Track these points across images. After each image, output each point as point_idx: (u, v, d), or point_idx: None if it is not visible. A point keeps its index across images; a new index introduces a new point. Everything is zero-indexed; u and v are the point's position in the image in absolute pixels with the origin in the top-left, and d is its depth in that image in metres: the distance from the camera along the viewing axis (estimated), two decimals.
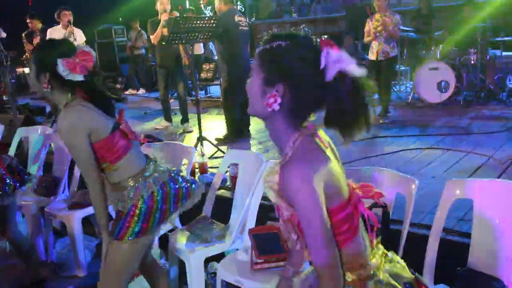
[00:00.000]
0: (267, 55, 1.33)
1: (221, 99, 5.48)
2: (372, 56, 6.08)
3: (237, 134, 5.33)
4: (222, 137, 5.30)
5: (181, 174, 2.47)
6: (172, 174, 2.35)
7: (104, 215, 2.21)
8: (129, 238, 2.17)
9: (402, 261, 1.51)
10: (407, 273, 1.46)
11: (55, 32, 6.73)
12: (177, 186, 2.31)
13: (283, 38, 1.32)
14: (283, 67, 1.29)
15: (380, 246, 1.49)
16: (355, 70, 1.27)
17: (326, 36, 6.44)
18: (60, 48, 2.16)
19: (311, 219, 1.26)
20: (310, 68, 1.28)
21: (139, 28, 10.48)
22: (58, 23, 6.79)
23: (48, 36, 6.80)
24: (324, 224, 1.26)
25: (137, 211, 2.18)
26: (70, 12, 6.72)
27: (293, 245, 1.44)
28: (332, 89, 1.27)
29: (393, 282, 1.40)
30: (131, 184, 2.20)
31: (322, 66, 1.26)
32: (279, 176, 1.30)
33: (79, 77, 2.10)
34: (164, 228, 2.43)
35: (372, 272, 1.39)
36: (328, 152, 1.35)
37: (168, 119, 6.60)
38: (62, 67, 2.06)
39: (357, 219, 1.39)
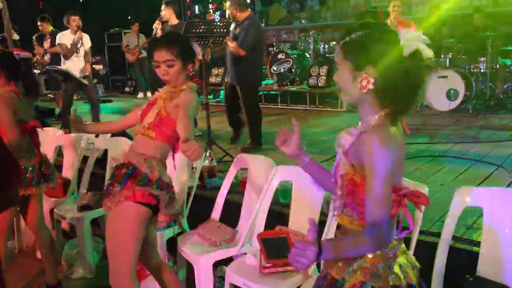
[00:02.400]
0: (349, 45, 1.47)
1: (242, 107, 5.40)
2: None
3: (260, 141, 5.35)
4: (247, 145, 5.29)
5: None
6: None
7: None
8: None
9: (416, 263, 1.58)
10: (413, 277, 1.51)
11: (64, 37, 6.79)
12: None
13: (359, 29, 1.47)
14: (367, 51, 1.43)
15: (402, 243, 1.56)
16: (428, 51, 1.45)
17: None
18: None
19: (380, 176, 1.38)
20: (390, 47, 1.43)
21: (136, 31, 10.50)
22: (67, 27, 6.86)
23: (57, 41, 6.87)
24: (389, 184, 1.39)
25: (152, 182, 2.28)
26: (79, 17, 6.78)
27: (334, 202, 1.57)
28: (408, 63, 1.42)
29: (401, 274, 1.48)
30: (151, 162, 2.30)
31: (401, 42, 1.43)
32: (356, 138, 1.48)
33: None
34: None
35: (387, 256, 1.47)
36: (402, 140, 1.50)
37: None
38: None
39: (395, 210, 1.45)
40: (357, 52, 1.45)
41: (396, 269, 1.48)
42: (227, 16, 11.80)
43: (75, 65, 6.72)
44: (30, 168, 2.97)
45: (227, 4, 5.13)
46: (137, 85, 11.09)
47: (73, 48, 6.70)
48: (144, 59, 10.43)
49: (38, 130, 3.08)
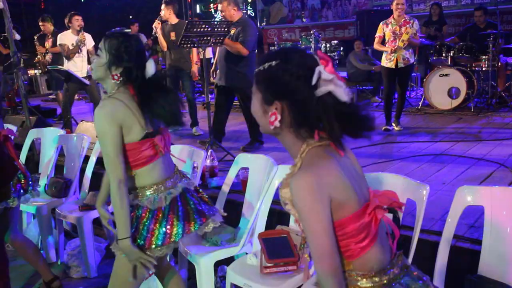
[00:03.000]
0: (261, 75, 1.38)
1: (244, 109, 5.35)
2: (389, 63, 5.79)
3: (262, 139, 5.34)
4: (248, 145, 5.28)
5: (200, 195, 2.41)
6: (188, 191, 2.31)
7: (122, 214, 2.11)
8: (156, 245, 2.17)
9: (426, 277, 1.48)
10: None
11: (65, 37, 6.79)
12: (185, 208, 2.26)
13: (274, 58, 1.36)
14: (277, 85, 1.34)
15: (402, 258, 1.47)
16: (343, 96, 1.32)
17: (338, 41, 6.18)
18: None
19: (312, 228, 1.29)
20: (302, 84, 1.32)
21: (136, 31, 10.48)
22: (69, 27, 6.86)
23: (58, 42, 6.87)
24: (325, 233, 1.29)
25: (140, 226, 2.18)
26: (81, 17, 6.78)
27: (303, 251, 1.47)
28: (322, 103, 1.31)
29: None
30: (147, 194, 2.20)
31: (313, 82, 1.30)
32: (289, 186, 1.33)
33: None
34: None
35: (386, 282, 1.39)
36: (343, 160, 1.36)
37: None
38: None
39: (375, 227, 1.38)
40: (266, 85, 1.37)
41: None
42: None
43: (77, 66, 6.74)
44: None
45: (224, 3, 5.07)
46: None
47: (75, 49, 6.71)
48: None
49: (40, 130, 3.04)
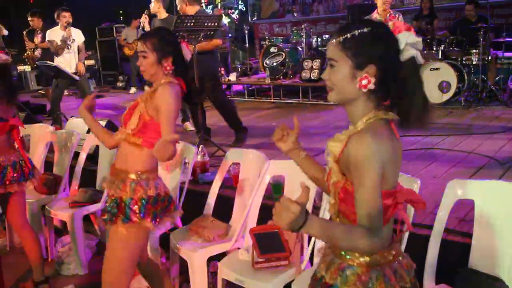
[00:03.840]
0: (352, 41, 1.41)
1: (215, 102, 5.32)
2: None
3: (244, 127, 5.31)
4: (235, 140, 5.24)
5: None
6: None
7: None
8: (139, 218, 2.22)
9: (412, 265, 1.53)
10: (407, 279, 1.47)
11: (54, 33, 6.73)
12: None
13: (363, 26, 1.42)
14: (370, 49, 1.39)
15: (398, 245, 1.52)
16: (419, 58, 1.42)
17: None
18: None
19: (368, 184, 1.33)
20: (392, 49, 1.40)
21: (136, 26, 10.40)
22: (58, 23, 6.79)
23: (47, 38, 6.80)
24: (378, 190, 1.34)
25: (139, 204, 2.23)
26: (70, 14, 6.70)
27: (329, 209, 1.54)
28: (403, 68, 1.40)
29: (394, 282, 1.43)
30: (141, 177, 2.26)
31: (401, 46, 1.40)
32: (345, 144, 1.40)
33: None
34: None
35: (379, 264, 1.43)
36: (396, 142, 1.43)
37: None
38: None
39: (391, 214, 1.42)
40: (360, 49, 1.39)
41: (391, 276, 1.43)
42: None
43: (66, 61, 6.67)
44: (10, 166, 2.95)
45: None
46: (131, 80, 11.01)
47: (63, 45, 6.64)
48: None
49: (29, 126, 3.05)
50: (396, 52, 1.40)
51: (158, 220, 2.28)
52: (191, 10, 5.02)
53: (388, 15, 5.59)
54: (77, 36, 6.79)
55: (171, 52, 2.29)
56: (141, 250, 2.35)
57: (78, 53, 6.76)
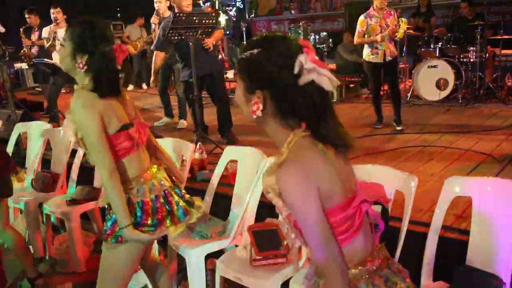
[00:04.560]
0: (243, 63, 1.36)
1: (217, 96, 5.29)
2: (376, 58, 5.51)
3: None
4: (231, 139, 5.23)
5: (179, 193, 2.36)
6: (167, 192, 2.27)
7: (118, 202, 2.06)
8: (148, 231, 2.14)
9: (403, 271, 1.49)
10: (402, 283, 1.44)
11: (47, 31, 6.74)
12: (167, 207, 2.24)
13: (256, 46, 1.34)
14: (258, 74, 1.32)
15: (384, 250, 1.48)
16: (327, 84, 1.30)
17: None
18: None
19: (306, 218, 1.28)
20: (285, 73, 1.29)
21: (141, 25, 10.37)
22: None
23: (43, 35, 6.80)
24: (320, 222, 1.28)
25: (149, 210, 2.16)
26: (58, 10, 6.68)
27: (292, 243, 1.46)
28: (305, 93, 1.29)
29: None
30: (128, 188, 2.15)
31: (295, 71, 1.28)
32: (276, 177, 1.31)
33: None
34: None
35: (366, 274, 1.39)
36: (329, 152, 1.34)
37: (169, 114, 6.59)
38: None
39: (359, 219, 1.37)
40: (249, 73, 1.34)
41: (380, 284, 1.39)
42: (216, 7, 11.74)
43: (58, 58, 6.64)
44: None
45: None
46: (128, 78, 10.95)
47: (53, 42, 6.62)
48: (145, 53, 10.24)
49: (26, 124, 3.02)
50: (289, 76, 1.28)
51: (160, 226, 2.19)
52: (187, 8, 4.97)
53: (384, 12, 5.54)
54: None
55: (88, 49, 2.08)
56: (139, 259, 2.28)
57: None
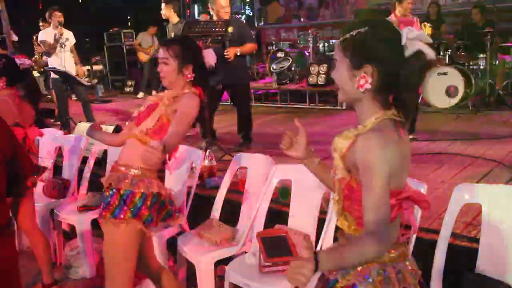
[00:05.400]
0: (349, 42, 1.43)
1: (239, 105, 5.35)
2: None
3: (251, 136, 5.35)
4: (241, 144, 5.26)
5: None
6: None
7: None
8: (124, 218, 2.19)
9: (417, 270, 1.53)
10: (411, 282, 1.47)
11: (46, 34, 6.78)
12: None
13: (362, 25, 1.42)
14: (367, 49, 1.39)
15: (406, 247, 1.53)
16: (430, 53, 1.39)
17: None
18: None
19: (376, 183, 1.34)
20: (391, 47, 1.38)
21: (153, 34, 10.46)
22: (70, 23, 6.84)
23: (39, 38, 6.84)
24: (386, 185, 1.35)
25: (135, 199, 2.21)
26: (61, 14, 6.75)
27: (333, 205, 1.54)
28: (409, 64, 1.37)
29: (395, 280, 1.43)
30: (144, 173, 2.25)
31: (403, 42, 1.37)
32: (352, 142, 1.42)
33: None
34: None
35: (382, 261, 1.43)
36: (405, 140, 1.45)
37: None
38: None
39: (396, 213, 1.42)
40: (356, 49, 1.41)
41: (392, 273, 1.43)
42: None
43: (60, 61, 6.68)
44: None
45: (210, 4, 5.07)
46: (139, 85, 11.04)
47: (55, 45, 6.67)
48: (156, 61, 10.29)
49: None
50: (396, 49, 1.37)
51: (153, 223, 2.26)
52: (226, 15, 5.06)
53: (406, 18, 5.20)
54: (70, 37, 6.83)
55: (191, 60, 2.32)
56: (138, 250, 2.31)
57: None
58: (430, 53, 1.38)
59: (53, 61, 6.73)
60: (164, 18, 6.09)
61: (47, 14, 6.81)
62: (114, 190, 2.23)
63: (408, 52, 1.36)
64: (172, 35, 6.12)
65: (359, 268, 1.44)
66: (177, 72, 2.31)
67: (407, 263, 1.50)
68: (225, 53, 4.93)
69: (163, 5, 5.99)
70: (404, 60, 1.37)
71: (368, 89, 1.40)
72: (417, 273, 1.51)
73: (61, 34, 6.64)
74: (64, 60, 6.69)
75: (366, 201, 1.36)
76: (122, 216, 2.19)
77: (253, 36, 5.17)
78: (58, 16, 6.68)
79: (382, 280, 1.42)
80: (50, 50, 6.69)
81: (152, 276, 2.61)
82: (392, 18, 5.40)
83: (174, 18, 6.04)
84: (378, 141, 1.34)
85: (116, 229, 2.21)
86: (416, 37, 1.37)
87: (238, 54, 4.98)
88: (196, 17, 12.65)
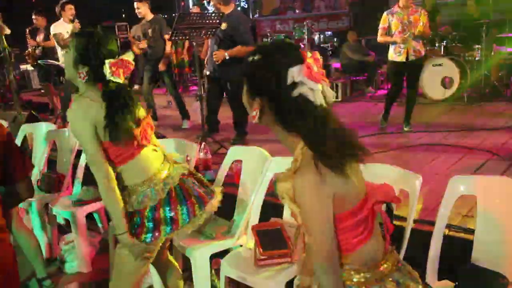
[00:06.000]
0: (246, 69, 1.37)
1: (232, 99, 5.29)
2: (399, 56, 5.22)
3: (246, 130, 5.35)
4: (235, 138, 5.26)
5: (197, 177, 2.38)
6: (185, 178, 2.27)
7: (116, 210, 2.08)
8: (143, 241, 2.14)
9: (414, 272, 1.50)
10: (415, 285, 1.45)
11: (59, 27, 6.70)
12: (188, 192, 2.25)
13: (257, 52, 1.35)
14: (256, 82, 1.33)
15: (394, 253, 1.49)
16: (317, 99, 1.30)
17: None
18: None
19: (315, 227, 1.30)
20: (279, 83, 1.30)
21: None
22: (60, 16, 6.76)
23: (52, 32, 6.77)
24: (327, 233, 1.30)
25: (145, 220, 2.14)
26: (74, 6, 6.70)
27: (297, 243, 1.46)
28: (298, 105, 1.29)
29: None
30: (140, 190, 2.16)
31: (288, 82, 1.28)
32: (293, 182, 1.32)
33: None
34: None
35: (379, 277, 1.40)
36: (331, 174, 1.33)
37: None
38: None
39: (372, 221, 1.39)
40: (250, 78, 1.36)
41: (392, 287, 1.40)
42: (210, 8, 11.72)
43: None
44: None
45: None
46: (134, 78, 10.95)
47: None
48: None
49: (32, 125, 3.00)
50: (283, 85, 1.29)
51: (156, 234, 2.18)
52: (226, 9, 4.99)
53: (410, 9, 5.26)
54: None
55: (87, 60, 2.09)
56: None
57: None
58: (317, 100, 1.30)
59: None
60: (140, 16, 6.05)
61: (57, 8, 6.71)
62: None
63: (294, 93, 1.28)
64: (141, 34, 6.12)
65: None
66: (72, 67, 2.11)
67: (402, 268, 1.47)
68: (213, 56, 4.91)
69: (136, 3, 5.93)
70: (292, 99, 1.29)
71: (258, 122, 1.36)
72: (415, 273, 1.49)
73: (79, 28, 6.60)
74: None
75: (310, 246, 1.34)
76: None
77: (248, 36, 5.01)
78: (72, 9, 6.63)
79: None
80: (66, 43, 6.63)
81: (158, 265, 2.60)
82: (394, 7, 5.37)
83: (149, 15, 6.01)
84: (312, 183, 1.27)
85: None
86: (302, 81, 1.28)
87: (227, 58, 4.91)
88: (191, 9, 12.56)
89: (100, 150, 2.06)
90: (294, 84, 1.28)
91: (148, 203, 2.14)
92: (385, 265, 1.41)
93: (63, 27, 6.67)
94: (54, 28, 6.72)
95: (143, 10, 5.94)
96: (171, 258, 2.66)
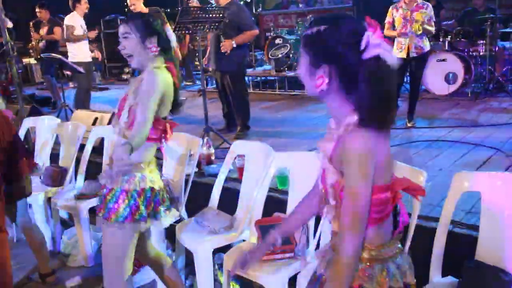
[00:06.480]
0: (309, 39, 1.39)
1: (231, 93, 5.30)
2: (400, 53, 5.18)
3: (248, 125, 5.34)
4: (238, 132, 5.25)
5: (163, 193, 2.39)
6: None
7: None
8: (116, 220, 2.18)
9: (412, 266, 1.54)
10: (411, 277, 1.49)
11: (74, 19, 6.68)
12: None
13: (323, 22, 1.37)
14: (325, 49, 1.35)
15: (399, 242, 1.52)
16: (391, 59, 1.34)
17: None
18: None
19: (357, 189, 1.32)
20: (350, 49, 1.33)
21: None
22: (69, 11, 6.76)
23: (67, 22, 6.70)
24: (366, 198, 1.33)
25: (126, 199, 2.18)
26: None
27: (328, 212, 1.50)
28: (367, 67, 1.32)
29: (398, 275, 1.44)
30: (137, 167, 2.21)
31: (361, 47, 1.31)
32: (337, 143, 1.37)
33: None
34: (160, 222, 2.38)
35: (383, 257, 1.43)
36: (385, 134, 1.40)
37: None
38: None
39: (391, 207, 1.42)
40: (315, 48, 1.36)
41: (394, 269, 1.44)
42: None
43: (83, 51, 6.68)
44: None
45: None
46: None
47: (85, 36, 6.66)
48: None
49: (35, 119, 3.00)
50: (354, 50, 1.32)
51: (147, 219, 2.24)
52: (224, 1, 5.02)
53: (414, 4, 5.20)
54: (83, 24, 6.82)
55: (155, 31, 2.20)
56: (136, 245, 2.31)
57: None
58: (390, 60, 1.34)
59: (84, 49, 6.69)
60: (135, 10, 6.02)
61: (70, 2, 6.69)
62: (107, 188, 2.23)
63: (366, 55, 1.31)
64: None
65: (364, 267, 1.43)
66: (140, 47, 2.19)
67: (404, 256, 1.50)
68: (221, 47, 4.92)
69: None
70: (361, 62, 1.31)
71: (324, 90, 1.36)
72: (412, 267, 1.52)
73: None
74: (85, 48, 6.69)
75: (344, 209, 1.35)
76: (112, 217, 2.18)
77: (252, 20, 5.10)
78: (86, 3, 6.64)
79: (386, 277, 1.42)
80: (78, 38, 6.63)
81: (150, 263, 2.61)
82: (400, 1, 5.30)
83: (144, 10, 5.98)
84: (359, 145, 1.31)
85: (109, 229, 2.22)
86: (377, 44, 1.31)
87: (235, 46, 4.95)
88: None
89: (152, 118, 2.13)
90: (366, 48, 1.31)
91: (135, 186, 2.21)
92: (390, 249, 1.46)
93: (77, 20, 6.66)
94: (69, 19, 6.68)
95: (137, 6, 5.91)
96: (160, 253, 2.66)
